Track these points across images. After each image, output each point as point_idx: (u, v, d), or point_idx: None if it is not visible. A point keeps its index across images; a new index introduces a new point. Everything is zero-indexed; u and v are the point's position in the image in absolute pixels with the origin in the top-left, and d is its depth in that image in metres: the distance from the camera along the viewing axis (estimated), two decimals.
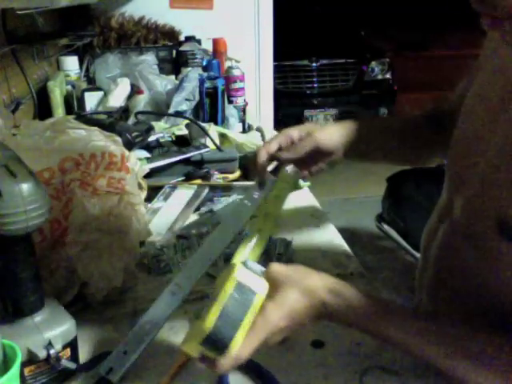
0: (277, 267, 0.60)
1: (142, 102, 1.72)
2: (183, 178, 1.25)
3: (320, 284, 0.59)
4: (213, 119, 1.62)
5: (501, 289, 0.58)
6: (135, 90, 1.74)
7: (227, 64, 2.00)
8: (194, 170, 1.27)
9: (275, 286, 0.58)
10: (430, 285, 0.74)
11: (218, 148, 1.36)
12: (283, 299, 0.57)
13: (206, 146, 1.35)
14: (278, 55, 2.58)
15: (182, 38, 2.17)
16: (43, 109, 1.64)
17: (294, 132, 0.78)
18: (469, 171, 0.64)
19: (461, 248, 0.65)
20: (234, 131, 1.58)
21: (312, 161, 0.81)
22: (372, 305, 0.59)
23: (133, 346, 0.66)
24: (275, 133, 1.66)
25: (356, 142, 0.80)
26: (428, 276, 0.74)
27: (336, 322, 0.61)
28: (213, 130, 1.47)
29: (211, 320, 0.53)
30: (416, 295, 0.81)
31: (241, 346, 0.54)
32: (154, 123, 1.48)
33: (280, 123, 2.64)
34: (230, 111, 1.64)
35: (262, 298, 0.56)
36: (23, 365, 0.58)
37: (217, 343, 0.53)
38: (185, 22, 2.21)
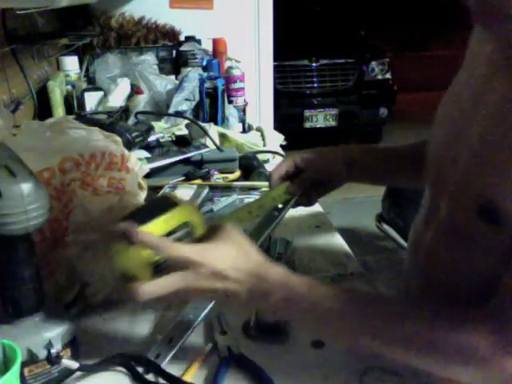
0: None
1: (141, 102, 1.72)
2: (183, 178, 1.25)
3: (256, 251, 0.59)
4: (213, 119, 1.62)
5: (486, 278, 0.59)
6: (135, 90, 1.74)
7: (227, 64, 2.00)
8: (194, 170, 1.27)
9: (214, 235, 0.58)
10: (418, 288, 0.74)
11: (218, 148, 1.36)
12: (215, 243, 0.57)
13: (206, 146, 1.35)
14: (278, 55, 2.58)
15: (182, 37, 2.17)
16: (43, 109, 1.64)
17: (298, 160, 0.85)
18: (450, 169, 0.64)
19: (448, 247, 0.65)
20: (234, 131, 1.58)
21: (315, 189, 0.86)
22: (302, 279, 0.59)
23: (178, 334, 0.72)
24: (275, 132, 1.67)
25: (360, 169, 0.86)
26: (416, 280, 0.74)
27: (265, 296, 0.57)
28: (213, 129, 1.47)
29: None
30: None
31: (159, 280, 0.54)
32: (154, 123, 1.49)
33: (280, 123, 2.64)
34: (230, 111, 1.64)
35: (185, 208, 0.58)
36: (23, 365, 0.58)
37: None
38: (185, 22, 2.21)
